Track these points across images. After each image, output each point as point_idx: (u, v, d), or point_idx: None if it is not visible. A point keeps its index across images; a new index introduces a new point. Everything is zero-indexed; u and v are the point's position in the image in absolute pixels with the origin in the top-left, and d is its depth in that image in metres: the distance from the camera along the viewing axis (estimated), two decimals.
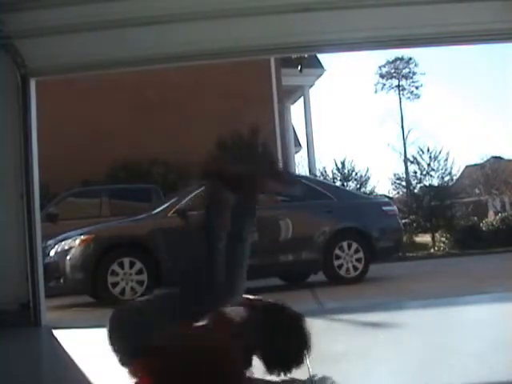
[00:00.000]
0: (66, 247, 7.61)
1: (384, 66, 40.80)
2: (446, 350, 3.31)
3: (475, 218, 17.40)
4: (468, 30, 5.32)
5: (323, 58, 18.68)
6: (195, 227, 2.90)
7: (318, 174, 18.18)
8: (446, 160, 18.46)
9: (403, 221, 13.71)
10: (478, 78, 58.44)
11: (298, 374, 2.96)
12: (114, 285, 7.43)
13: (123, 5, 4.96)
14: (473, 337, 3.80)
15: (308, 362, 3.10)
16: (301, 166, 22.06)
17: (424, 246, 16.88)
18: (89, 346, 4.42)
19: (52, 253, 7.66)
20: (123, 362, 2.61)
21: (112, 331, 2.68)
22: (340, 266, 8.14)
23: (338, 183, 17.74)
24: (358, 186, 18.39)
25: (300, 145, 21.35)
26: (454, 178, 19.10)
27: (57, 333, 5.08)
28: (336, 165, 18.74)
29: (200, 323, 2.49)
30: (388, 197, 10.91)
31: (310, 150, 18.66)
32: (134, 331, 2.61)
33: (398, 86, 40.48)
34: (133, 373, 2.49)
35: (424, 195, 18.10)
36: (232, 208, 2.98)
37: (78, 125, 14.26)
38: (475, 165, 30.17)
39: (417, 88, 40.83)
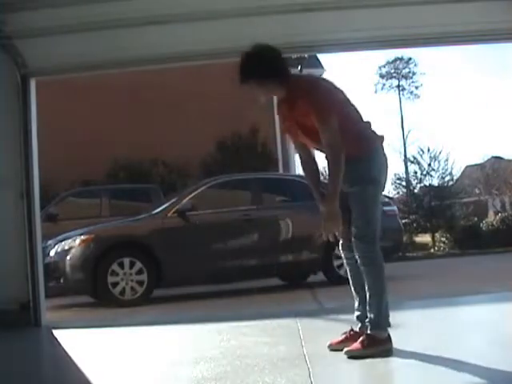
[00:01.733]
0: (66, 247, 7.61)
1: (384, 66, 40.85)
2: (446, 350, 3.31)
3: (475, 218, 17.40)
4: (468, 30, 5.32)
5: (323, 58, 18.68)
6: None
7: None
8: (447, 160, 18.47)
9: (403, 221, 13.70)
10: (478, 78, 58.49)
11: (298, 371, 2.96)
12: (114, 285, 7.43)
13: (123, 5, 4.96)
14: (472, 337, 3.80)
15: (308, 362, 3.11)
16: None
17: (424, 246, 16.89)
18: (89, 346, 4.43)
19: (52, 253, 7.66)
20: None
21: None
22: (340, 266, 8.12)
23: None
24: None
25: None
26: (455, 178, 19.10)
27: (57, 333, 5.08)
28: None
29: None
30: (388, 197, 10.88)
31: None
32: None
33: (398, 86, 40.50)
34: None
35: (424, 195, 18.10)
36: None
37: (77, 125, 14.27)
38: (475, 165, 30.18)
39: (417, 88, 40.88)
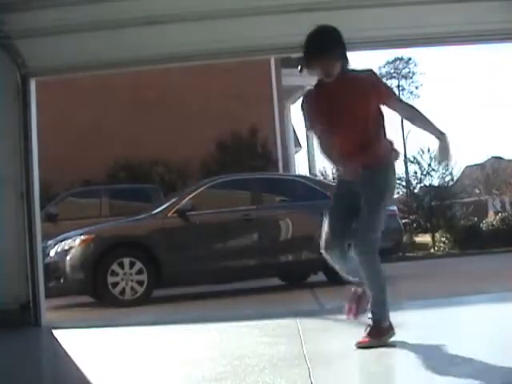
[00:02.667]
0: (66, 247, 7.62)
1: (384, 66, 40.91)
2: (446, 350, 3.31)
3: (475, 218, 17.39)
4: (468, 30, 5.32)
5: None
6: None
7: (318, 174, 18.17)
8: None
9: (403, 221, 13.70)
10: (478, 78, 58.49)
11: (298, 371, 2.96)
12: (114, 285, 7.43)
13: (123, 5, 4.96)
14: (472, 337, 3.80)
15: (308, 362, 3.10)
16: (301, 166, 22.06)
17: (424, 246, 16.88)
18: (89, 346, 4.42)
19: (52, 253, 7.66)
20: None
21: None
22: None
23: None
24: None
25: (300, 145, 21.34)
26: (455, 178, 19.08)
27: (57, 333, 5.08)
28: None
29: None
30: None
31: (310, 150, 18.65)
32: None
33: (398, 86, 40.54)
34: None
35: (424, 195, 18.08)
36: None
37: (77, 125, 14.27)
38: (475, 165, 30.20)
39: (417, 88, 40.97)
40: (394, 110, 3.52)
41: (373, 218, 3.43)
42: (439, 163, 4.02)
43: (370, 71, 3.52)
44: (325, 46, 3.36)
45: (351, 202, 3.49)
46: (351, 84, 3.43)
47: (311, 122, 3.56)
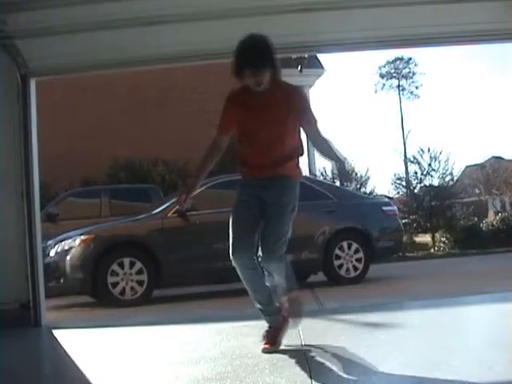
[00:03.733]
0: (66, 247, 7.61)
1: (384, 66, 40.94)
2: (446, 350, 3.31)
3: (475, 218, 17.39)
4: (468, 30, 5.32)
5: (323, 58, 18.68)
6: None
7: (318, 174, 18.15)
8: (447, 160, 18.46)
9: (403, 221, 13.69)
10: (479, 78, 58.50)
11: (298, 371, 2.96)
12: (114, 285, 7.43)
13: (123, 5, 4.96)
14: (473, 337, 3.80)
15: (308, 362, 3.10)
16: (300, 166, 21.99)
17: (424, 246, 16.88)
18: (89, 346, 4.43)
19: (52, 253, 7.66)
20: None
21: None
22: (340, 266, 8.13)
23: (338, 183, 17.65)
24: (358, 186, 18.34)
25: None
26: (455, 178, 19.07)
27: (57, 333, 5.08)
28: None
29: None
30: (388, 197, 10.90)
31: (310, 150, 18.62)
32: None
33: (398, 86, 40.58)
34: None
35: (424, 195, 18.08)
36: None
37: (78, 124, 14.27)
38: (475, 165, 30.19)
39: (417, 88, 40.97)
40: (308, 136, 3.59)
41: (281, 227, 3.73)
42: (341, 184, 4.63)
43: (300, 90, 3.64)
44: (255, 59, 3.37)
45: (258, 208, 3.73)
46: (279, 94, 3.49)
47: (229, 123, 3.65)
